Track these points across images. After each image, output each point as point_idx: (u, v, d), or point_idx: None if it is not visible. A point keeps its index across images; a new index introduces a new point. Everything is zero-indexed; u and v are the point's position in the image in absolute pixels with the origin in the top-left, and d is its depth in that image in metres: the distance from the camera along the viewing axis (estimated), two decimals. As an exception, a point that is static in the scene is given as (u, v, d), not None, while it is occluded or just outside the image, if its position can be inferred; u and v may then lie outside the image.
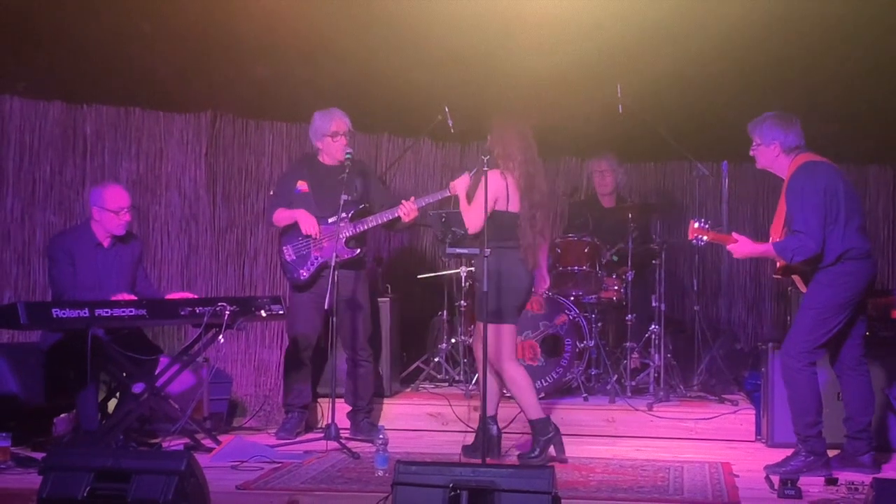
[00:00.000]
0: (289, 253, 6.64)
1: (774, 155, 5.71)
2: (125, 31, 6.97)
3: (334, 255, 6.12)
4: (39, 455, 5.52)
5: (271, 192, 7.10)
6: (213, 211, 8.00)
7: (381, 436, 5.52)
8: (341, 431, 6.22)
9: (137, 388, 6.27)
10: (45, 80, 7.51)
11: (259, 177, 8.09)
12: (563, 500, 4.23)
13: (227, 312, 6.05)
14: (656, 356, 7.24)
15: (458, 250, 6.27)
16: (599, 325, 7.40)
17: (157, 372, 6.36)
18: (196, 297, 6.47)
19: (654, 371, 7.27)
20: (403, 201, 6.49)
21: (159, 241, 7.94)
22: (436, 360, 7.73)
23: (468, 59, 7.06)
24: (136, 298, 6.14)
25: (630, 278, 7.39)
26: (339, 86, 7.35)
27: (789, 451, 5.71)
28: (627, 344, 7.31)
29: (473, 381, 7.05)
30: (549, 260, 7.35)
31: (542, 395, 7.11)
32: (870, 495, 4.29)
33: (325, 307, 6.08)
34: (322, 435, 6.21)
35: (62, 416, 6.41)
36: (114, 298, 6.02)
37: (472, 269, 6.64)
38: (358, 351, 6.67)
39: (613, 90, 7.16)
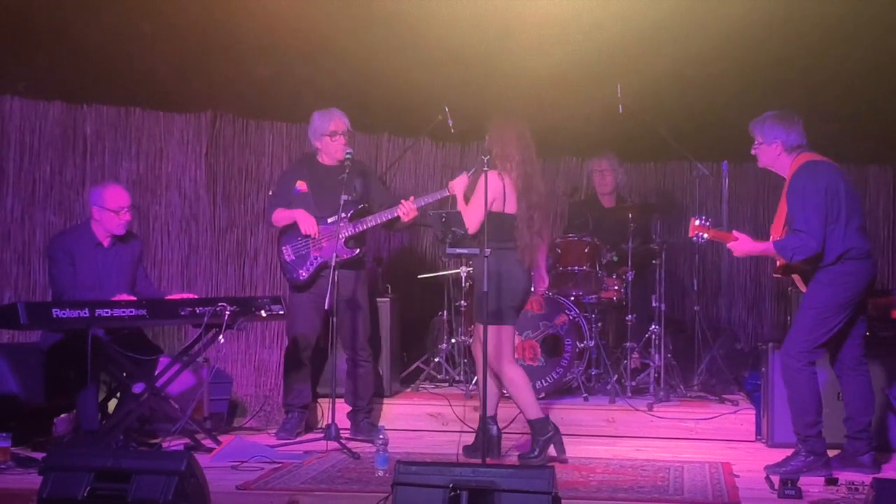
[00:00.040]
0: (288, 253, 6.64)
1: (776, 154, 5.70)
2: (125, 31, 6.98)
3: (334, 255, 6.12)
4: (39, 455, 5.52)
5: (270, 193, 7.09)
6: (214, 211, 7.99)
7: (381, 436, 5.52)
8: (341, 431, 6.22)
9: (137, 388, 6.27)
10: (45, 80, 7.51)
11: (259, 177, 8.09)
12: (563, 500, 4.23)
13: (228, 312, 6.05)
14: (656, 356, 7.24)
15: (458, 250, 6.26)
16: (599, 325, 7.40)
17: (157, 372, 6.36)
18: (196, 297, 6.48)
19: (655, 371, 7.27)
20: (402, 201, 6.49)
21: (159, 241, 7.94)
22: (436, 360, 7.73)
23: (468, 59, 7.06)
24: (135, 299, 6.14)
25: (630, 278, 7.39)
26: (339, 86, 7.35)
27: (789, 451, 5.71)
28: (627, 344, 7.31)
29: (473, 382, 7.05)
30: (549, 260, 7.36)
31: (543, 395, 7.12)
32: (870, 495, 4.29)
33: (325, 307, 6.08)
34: (322, 435, 6.21)
35: (62, 416, 6.41)
36: (114, 299, 6.02)
37: (471, 269, 6.62)
38: (358, 351, 6.67)
39: (613, 90, 7.16)
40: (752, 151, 5.78)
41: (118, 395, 6.41)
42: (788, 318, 7.45)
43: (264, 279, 8.02)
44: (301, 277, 6.60)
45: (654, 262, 7.45)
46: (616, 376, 7.25)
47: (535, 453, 5.76)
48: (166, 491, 4.20)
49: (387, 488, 4.44)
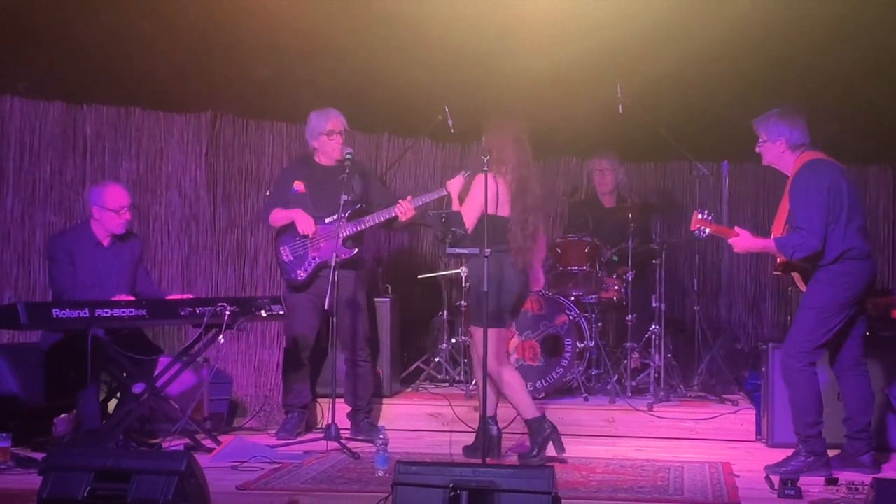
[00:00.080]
0: (286, 253, 6.64)
1: (780, 151, 5.70)
2: (125, 31, 6.97)
3: (335, 255, 6.12)
4: (39, 455, 5.52)
5: (268, 193, 7.10)
6: (214, 211, 7.99)
7: (381, 436, 5.52)
8: (341, 431, 6.22)
9: (138, 388, 6.27)
10: (45, 80, 7.51)
11: (259, 177, 8.08)
12: (563, 500, 4.22)
13: (228, 313, 6.05)
14: (656, 356, 7.24)
15: (458, 250, 6.25)
16: (600, 325, 7.40)
17: (157, 372, 6.36)
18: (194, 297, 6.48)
19: (655, 371, 7.27)
20: (400, 200, 6.50)
21: (159, 241, 7.93)
22: (436, 360, 7.73)
23: (468, 59, 7.06)
24: (134, 299, 6.14)
25: (630, 278, 7.39)
26: (339, 86, 7.35)
27: (789, 451, 5.71)
28: (628, 344, 7.30)
29: (473, 382, 7.05)
30: (549, 260, 7.37)
31: (543, 395, 7.13)
32: (870, 495, 4.29)
33: (325, 307, 6.08)
34: (322, 435, 6.21)
35: (62, 416, 6.41)
36: (113, 299, 6.02)
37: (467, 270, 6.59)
38: (357, 351, 6.67)
39: (613, 90, 7.16)
40: (757, 149, 5.78)
41: (118, 395, 6.41)
42: (788, 317, 7.45)
43: (264, 279, 8.02)
44: (299, 278, 6.60)
45: (654, 262, 7.44)
46: (616, 376, 7.25)
47: (535, 453, 5.77)
48: (166, 491, 4.20)
49: (387, 488, 4.44)
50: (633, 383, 7.30)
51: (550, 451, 5.78)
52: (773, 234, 5.72)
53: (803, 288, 5.73)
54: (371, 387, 6.83)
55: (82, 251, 6.24)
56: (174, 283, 7.86)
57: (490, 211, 5.77)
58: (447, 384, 7.63)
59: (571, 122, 7.61)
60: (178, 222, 7.96)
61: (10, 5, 6.67)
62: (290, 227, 6.61)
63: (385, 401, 7.16)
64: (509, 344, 7.08)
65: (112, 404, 6.43)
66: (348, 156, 6.33)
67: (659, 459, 6.03)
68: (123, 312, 5.82)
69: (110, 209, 6.24)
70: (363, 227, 6.56)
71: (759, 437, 6.67)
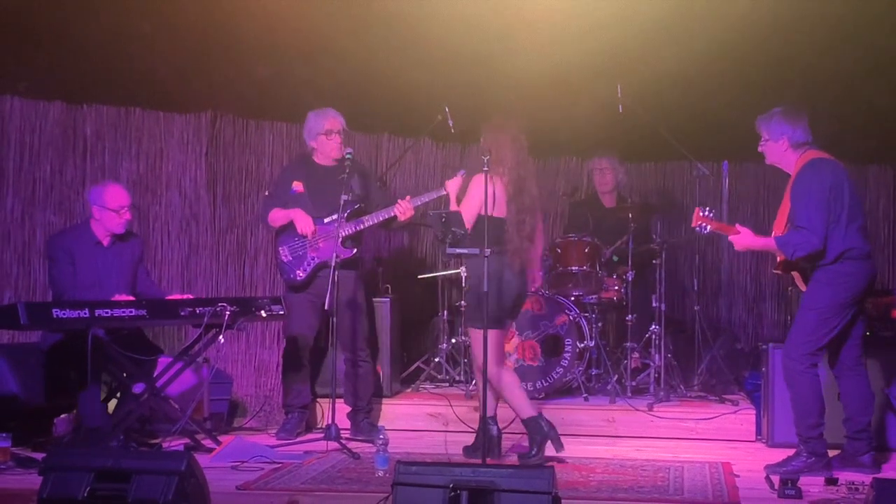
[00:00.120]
0: (285, 254, 6.64)
1: (782, 150, 5.69)
2: (125, 31, 6.97)
3: (335, 255, 6.12)
4: (39, 455, 5.52)
5: (266, 193, 7.10)
6: (214, 211, 7.99)
7: (381, 436, 5.52)
8: (341, 431, 6.22)
9: (138, 388, 6.27)
10: (45, 80, 7.51)
11: (259, 177, 8.08)
12: (563, 500, 4.22)
13: (228, 313, 6.05)
14: (657, 356, 7.24)
15: (458, 250, 6.25)
16: (600, 325, 7.40)
17: (157, 372, 6.36)
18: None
19: (655, 371, 7.26)
20: (399, 200, 6.50)
21: (159, 241, 7.93)
22: (436, 360, 7.73)
23: (468, 59, 7.06)
24: (134, 299, 6.14)
25: (630, 278, 7.38)
26: (339, 86, 7.35)
27: (789, 451, 5.71)
28: (628, 344, 7.30)
29: (473, 382, 7.05)
30: (549, 261, 7.37)
31: (543, 395, 7.13)
32: (870, 495, 4.29)
33: (326, 307, 6.08)
34: (322, 435, 6.21)
35: (62, 416, 6.41)
36: (113, 299, 6.02)
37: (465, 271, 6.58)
38: (357, 352, 6.67)
39: (613, 90, 7.16)
40: (759, 148, 5.77)
41: (118, 395, 6.41)
42: (788, 317, 7.46)
43: (264, 279, 8.02)
44: (298, 278, 6.60)
45: (654, 262, 7.44)
46: (616, 376, 7.25)
47: (534, 452, 5.77)
48: (166, 491, 4.20)
49: (387, 488, 4.44)
50: (633, 383, 7.30)
51: (550, 450, 5.78)
52: (773, 233, 5.72)
53: (803, 287, 5.73)
54: (371, 387, 6.83)
55: (82, 251, 6.24)
56: (174, 283, 7.86)
57: (486, 211, 5.76)
58: (447, 384, 7.63)
59: (571, 122, 7.61)
60: (178, 222, 7.96)
61: (10, 5, 6.67)
62: (289, 228, 6.61)
63: (385, 401, 7.16)
64: (509, 344, 7.09)
65: (112, 404, 6.43)
66: (348, 156, 6.33)
67: (659, 459, 6.03)
68: (123, 312, 5.82)
69: (110, 209, 6.25)
70: (362, 227, 6.56)
71: (759, 437, 6.67)
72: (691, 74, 7.04)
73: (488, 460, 5.45)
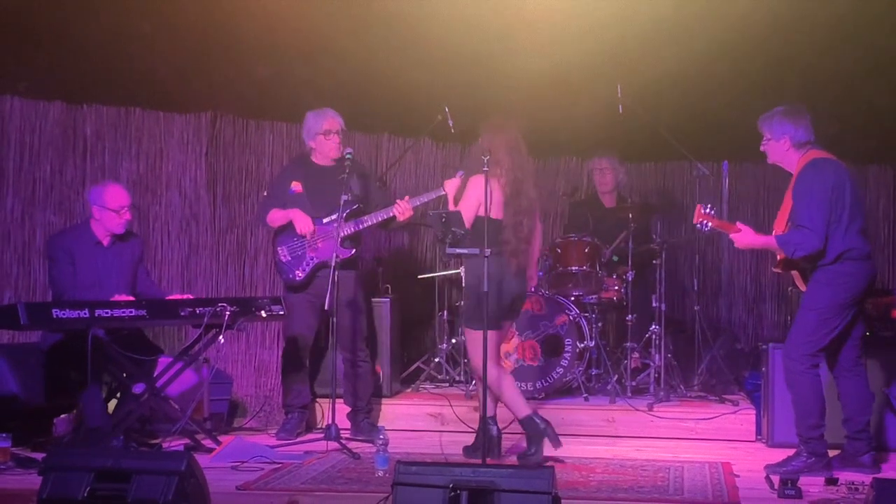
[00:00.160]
0: (284, 254, 6.64)
1: (784, 149, 5.69)
2: (125, 31, 6.98)
3: (335, 255, 6.12)
4: (39, 455, 5.51)
5: (264, 193, 7.10)
6: (214, 211, 7.99)
7: (381, 436, 5.53)
8: (341, 432, 6.22)
9: (137, 388, 6.27)
10: (45, 80, 7.51)
11: (259, 177, 8.08)
12: (563, 500, 4.22)
13: (228, 313, 6.05)
14: (657, 356, 7.24)
15: (458, 250, 6.26)
16: (600, 325, 7.40)
17: (157, 372, 6.36)
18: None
19: (655, 371, 7.26)
20: (398, 200, 6.50)
21: (159, 241, 7.93)
22: (436, 360, 7.73)
23: (468, 59, 7.06)
24: (134, 299, 6.14)
25: (630, 278, 7.38)
26: (339, 86, 7.35)
27: (789, 451, 5.71)
28: (628, 344, 7.30)
29: (473, 382, 7.04)
30: (549, 261, 7.37)
31: (543, 395, 7.13)
32: (870, 495, 4.29)
33: (326, 307, 6.08)
34: (322, 435, 6.21)
35: (62, 416, 6.41)
36: (112, 299, 6.02)
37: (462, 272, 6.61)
38: (357, 352, 6.66)
39: (613, 90, 7.16)
40: (762, 147, 5.77)
41: (118, 395, 6.41)
42: (788, 318, 7.45)
43: (264, 279, 8.02)
44: (297, 278, 6.60)
45: (654, 262, 7.45)
46: (616, 376, 7.25)
47: (532, 451, 5.77)
48: (166, 491, 4.20)
49: (387, 488, 4.44)
50: (633, 383, 7.30)
51: (549, 450, 5.78)
52: (774, 232, 5.71)
53: (802, 287, 5.73)
54: (371, 387, 6.83)
55: (82, 251, 6.24)
56: (174, 283, 7.86)
57: (483, 212, 5.75)
58: (447, 384, 7.63)
59: (571, 122, 7.62)
60: (178, 222, 7.96)
61: (10, 5, 6.67)
62: (288, 228, 6.61)
63: (385, 401, 7.16)
64: (509, 344, 7.09)
65: (112, 404, 6.43)
66: (348, 156, 6.33)
67: (659, 459, 6.03)
68: (123, 312, 5.82)
69: (110, 209, 6.25)
70: (361, 227, 6.56)
71: (759, 437, 6.67)
72: (691, 74, 7.04)
73: (488, 460, 5.45)
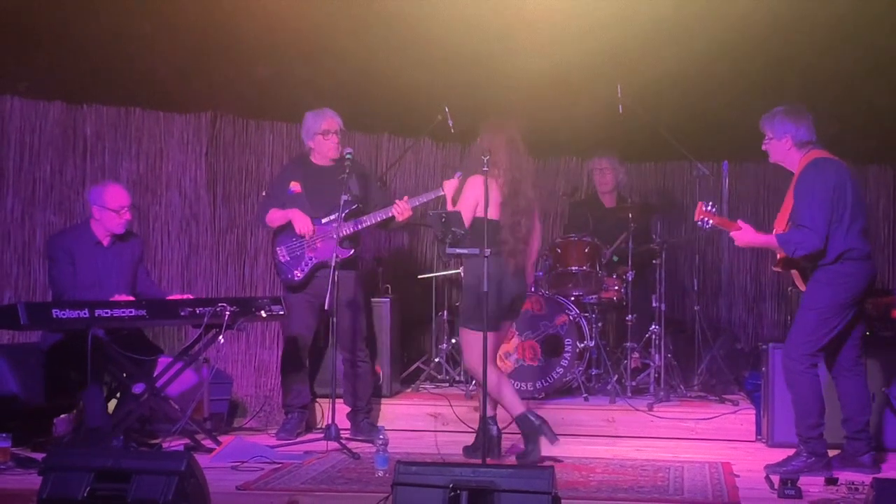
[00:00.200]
0: (283, 254, 6.64)
1: (786, 149, 5.69)
2: (125, 31, 6.98)
3: (335, 255, 6.12)
4: (39, 455, 5.51)
5: (264, 193, 7.10)
6: (214, 211, 7.99)
7: (381, 436, 5.53)
8: (341, 432, 6.22)
9: (137, 388, 6.27)
10: (45, 80, 7.51)
11: (259, 177, 8.08)
12: (563, 500, 4.22)
13: (228, 313, 6.05)
14: (657, 356, 7.24)
15: (458, 250, 6.27)
16: (600, 325, 7.40)
17: (157, 372, 6.36)
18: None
19: (655, 371, 7.26)
20: (397, 200, 6.51)
21: (159, 241, 7.93)
22: (436, 360, 7.73)
23: (468, 59, 7.06)
24: (134, 299, 6.14)
25: (630, 278, 7.38)
26: (339, 86, 7.35)
27: (789, 451, 5.71)
28: (628, 344, 7.30)
29: (473, 382, 7.05)
30: (549, 261, 7.37)
31: (543, 395, 7.13)
32: (870, 495, 4.29)
33: (326, 307, 6.08)
34: (322, 435, 6.21)
35: (62, 416, 6.41)
36: (112, 299, 6.02)
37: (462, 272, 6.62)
38: (356, 352, 6.67)
39: (613, 90, 7.16)
40: (763, 147, 5.76)
41: (118, 395, 6.41)
42: (788, 317, 7.45)
43: (264, 279, 8.02)
44: (296, 278, 6.60)
45: (654, 262, 7.45)
46: (616, 376, 7.25)
47: (530, 449, 5.77)
48: (166, 491, 4.20)
49: (387, 488, 4.44)
50: (633, 383, 7.30)
51: (549, 449, 5.78)
52: (775, 231, 5.71)
53: (802, 287, 5.73)
54: (370, 386, 6.83)
55: (82, 251, 6.24)
56: (174, 283, 7.86)
57: (480, 213, 5.75)
58: (447, 384, 7.63)
59: (571, 122, 7.62)
60: (178, 222, 7.97)
61: (10, 5, 6.67)
62: (287, 228, 6.61)
63: (385, 401, 7.16)
64: (509, 344, 7.09)
65: (112, 404, 6.43)
66: (348, 156, 6.33)
67: (659, 459, 6.03)
68: (123, 312, 5.82)
69: (110, 209, 6.25)
70: (360, 227, 6.56)
71: (759, 437, 6.67)
72: (691, 74, 7.04)
73: (488, 460, 5.45)
